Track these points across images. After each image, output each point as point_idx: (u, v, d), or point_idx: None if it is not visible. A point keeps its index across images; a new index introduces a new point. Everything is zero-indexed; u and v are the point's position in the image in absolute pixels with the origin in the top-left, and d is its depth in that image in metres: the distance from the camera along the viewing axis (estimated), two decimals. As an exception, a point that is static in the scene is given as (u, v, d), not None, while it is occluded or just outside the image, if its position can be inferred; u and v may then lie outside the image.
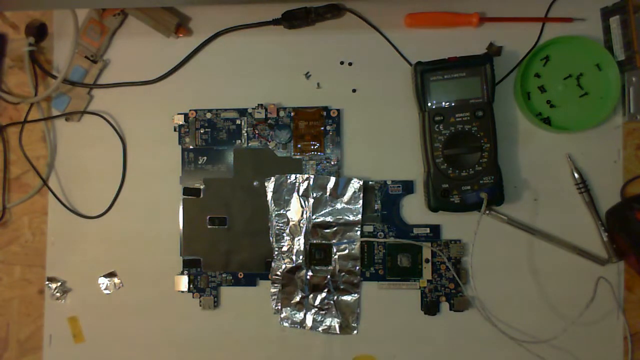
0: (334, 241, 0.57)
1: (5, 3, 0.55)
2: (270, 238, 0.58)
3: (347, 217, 0.57)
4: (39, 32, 0.60)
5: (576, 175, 0.56)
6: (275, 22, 0.58)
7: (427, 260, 0.57)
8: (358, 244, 0.57)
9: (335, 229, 0.57)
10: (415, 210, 0.57)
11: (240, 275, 0.58)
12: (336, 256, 0.57)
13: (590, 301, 0.52)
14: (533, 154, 0.57)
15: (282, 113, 0.59)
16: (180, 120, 0.59)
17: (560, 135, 0.57)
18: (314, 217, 0.57)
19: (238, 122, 0.59)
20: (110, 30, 0.60)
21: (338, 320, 0.57)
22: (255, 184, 0.58)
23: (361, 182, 0.57)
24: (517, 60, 0.57)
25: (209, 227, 0.59)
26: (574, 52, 0.56)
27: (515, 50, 0.57)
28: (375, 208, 0.58)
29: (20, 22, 0.62)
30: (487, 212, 0.55)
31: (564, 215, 0.56)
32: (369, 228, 0.57)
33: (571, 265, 0.56)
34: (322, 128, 0.58)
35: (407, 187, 0.58)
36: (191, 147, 0.59)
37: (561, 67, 0.56)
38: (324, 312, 0.57)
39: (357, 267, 0.57)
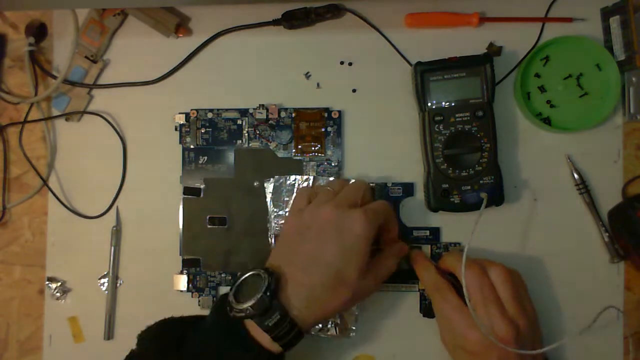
0: None
1: (5, 3, 0.55)
2: (269, 239, 0.58)
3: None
4: (39, 32, 0.60)
5: (576, 176, 0.56)
6: (275, 22, 0.58)
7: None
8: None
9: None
10: (415, 212, 0.57)
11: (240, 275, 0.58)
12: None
13: (592, 322, 0.50)
14: (533, 154, 0.57)
15: (283, 114, 0.59)
16: (181, 119, 0.59)
17: (560, 135, 0.57)
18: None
19: (239, 122, 0.59)
20: (110, 30, 0.60)
21: (336, 322, 0.57)
22: (255, 184, 0.58)
23: (361, 183, 0.57)
24: (517, 60, 0.57)
25: (208, 226, 0.59)
26: (574, 52, 0.56)
27: (515, 50, 0.57)
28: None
29: (20, 22, 0.62)
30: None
31: (564, 215, 0.56)
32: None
33: (571, 266, 0.56)
34: (323, 129, 0.58)
35: (408, 189, 0.57)
36: (192, 146, 0.59)
37: (561, 67, 0.56)
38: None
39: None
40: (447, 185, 0.54)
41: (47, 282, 0.60)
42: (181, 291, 0.59)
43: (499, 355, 0.47)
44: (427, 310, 0.56)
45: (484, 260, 0.51)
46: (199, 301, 0.58)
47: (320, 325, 0.56)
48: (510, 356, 0.47)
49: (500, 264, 0.51)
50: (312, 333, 0.57)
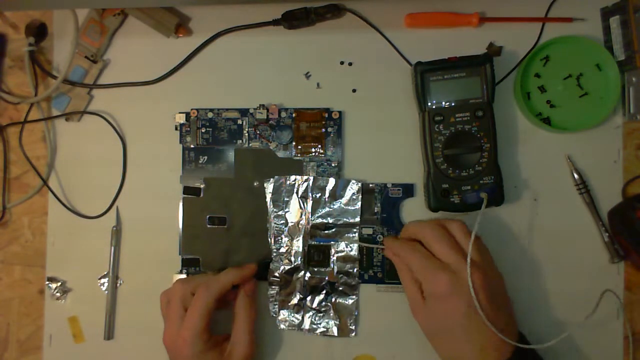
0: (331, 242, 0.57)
1: (5, 3, 0.55)
2: (269, 239, 0.58)
3: (345, 219, 0.57)
4: (39, 32, 0.60)
5: (576, 176, 0.56)
6: (275, 22, 0.58)
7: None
8: (356, 246, 0.57)
9: (334, 230, 0.57)
10: (415, 213, 0.57)
11: (240, 275, 0.58)
12: (334, 258, 0.57)
13: (591, 313, 0.51)
14: (533, 154, 0.57)
15: (283, 114, 0.58)
16: (181, 119, 0.59)
17: (560, 135, 0.57)
18: (312, 218, 0.57)
19: (239, 122, 0.59)
20: (110, 30, 0.60)
21: (336, 323, 0.57)
22: (255, 184, 0.58)
23: (360, 184, 0.57)
24: (517, 60, 0.57)
25: (208, 226, 0.59)
26: (574, 52, 0.56)
27: (515, 50, 0.57)
28: (375, 211, 0.57)
29: (20, 22, 0.62)
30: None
31: (563, 215, 0.56)
32: (368, 230, 0.57)
33: (571, 266, 0.56)
34: (323, 129, 0.58)
35: (408, 190, 0.57)
36: (192, 146, 0.59)
37: (561, 67, 0.56)
38: (321, 314, 0.57)
39: (355, 269, 0.57)
40: (447, 185, 0.54)
41: (47, 282, 0.60)
42: (181, 291, 0.59)
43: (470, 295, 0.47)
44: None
45: (444, 219, 0.52)
46: (199, 301, 0.58)
47: (323, 328, 0.56)
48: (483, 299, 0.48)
49: (459, 219, 0.52)
50: (312, 333, 0.57)
